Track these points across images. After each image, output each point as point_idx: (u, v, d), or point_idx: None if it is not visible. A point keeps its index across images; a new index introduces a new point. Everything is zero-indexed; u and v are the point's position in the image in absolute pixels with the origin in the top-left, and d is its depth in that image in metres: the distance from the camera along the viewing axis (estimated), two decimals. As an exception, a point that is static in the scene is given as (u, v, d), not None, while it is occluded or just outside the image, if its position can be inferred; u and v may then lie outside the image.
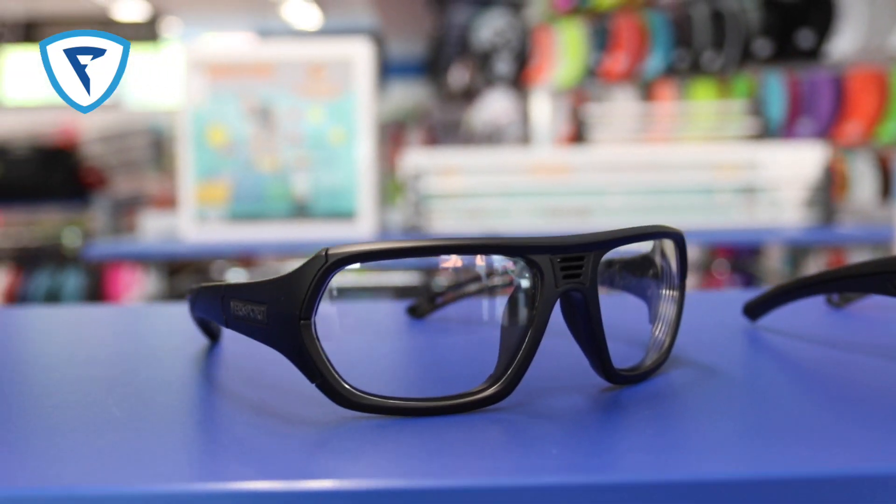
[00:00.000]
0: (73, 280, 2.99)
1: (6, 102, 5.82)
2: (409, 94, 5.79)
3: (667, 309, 0.40)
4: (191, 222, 1.82)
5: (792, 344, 0.48)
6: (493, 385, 0.33)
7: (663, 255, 0.40)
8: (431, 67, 4.95)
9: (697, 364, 0.41)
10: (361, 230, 1.82)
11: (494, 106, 3.83)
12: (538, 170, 1.89)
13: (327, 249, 0.30)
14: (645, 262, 0.41)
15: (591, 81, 3.52)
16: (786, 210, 1.89)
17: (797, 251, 2.30)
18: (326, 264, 0.30)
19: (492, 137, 3.78)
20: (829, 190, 1.86)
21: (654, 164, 1.91)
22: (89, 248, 2.02)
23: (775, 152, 1.95)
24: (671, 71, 3.24)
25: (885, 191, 2.73)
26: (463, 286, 0.51)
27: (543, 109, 3.73)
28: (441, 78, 4.44)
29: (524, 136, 3.80)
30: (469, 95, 4.23)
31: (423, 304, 0.54)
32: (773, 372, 0.42)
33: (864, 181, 2.82)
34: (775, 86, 3.02)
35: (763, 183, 1.89)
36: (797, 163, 1.89)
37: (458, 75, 4.12)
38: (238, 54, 1.86)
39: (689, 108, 2.88)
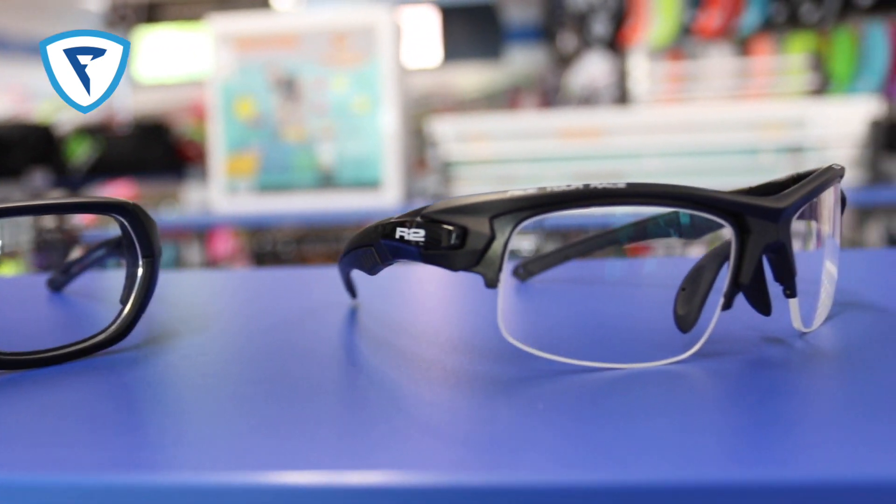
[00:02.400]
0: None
1: (142, 81, 6.09)
2: (527, 60, 5.71)
3: (131, 291, 0.35)
4: (221, 194, 1.86)
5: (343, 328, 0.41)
6: None
7: (126, 229, 0.35)
8: (546, 32, 4.87)
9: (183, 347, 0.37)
10: (387, 199, 1.81)
11: (591, 69, 3.74)
12: (568, 133, 1.83)
13: None
14: (125, 240, 0.38)
15: (687, 39, 3.38)
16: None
17: (858, 214, 2.13)
18: None
19: (589, 100, 3.69)
20: (876, 147, 1.72)
21: (694, 125, 1.82)
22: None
23: (825, 109, 1.82)
24: (768, 25, 3.07)
25: None
26: (88, 256, 0.49)
27: (640, 70, 3.61)
28: (553, 42, 4.38)
29: (621, 98, 3.69)
30: (576, 58, 4.14)
31: (57, 276, 0.51)
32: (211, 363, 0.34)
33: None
34: (878, 38, 2.82)
35: (812, 142, 1.77)
36: (848, 119, 1.75)
37: (565, 38, 4.05)
38: (264, 26, 1.88)
39: (747, 65, 2.73)
